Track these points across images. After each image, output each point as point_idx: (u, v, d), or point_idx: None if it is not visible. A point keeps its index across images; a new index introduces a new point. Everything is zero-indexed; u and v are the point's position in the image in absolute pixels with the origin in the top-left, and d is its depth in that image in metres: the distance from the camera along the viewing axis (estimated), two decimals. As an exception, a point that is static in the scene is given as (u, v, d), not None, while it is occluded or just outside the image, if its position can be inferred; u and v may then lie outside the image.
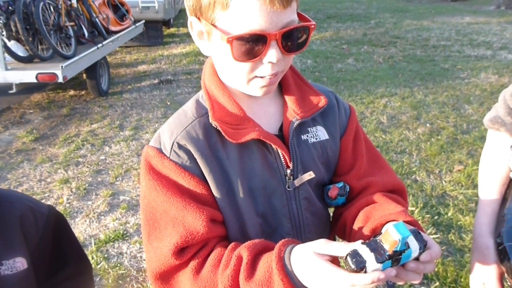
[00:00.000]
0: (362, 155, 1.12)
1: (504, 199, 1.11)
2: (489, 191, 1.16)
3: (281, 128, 1.02)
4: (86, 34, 6.68)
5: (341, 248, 0.78)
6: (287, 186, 0.99)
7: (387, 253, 0.75)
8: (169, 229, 0.92)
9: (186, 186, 0.94)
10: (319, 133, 1.05)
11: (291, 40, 0.88)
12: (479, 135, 4.72)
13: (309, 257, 0.80)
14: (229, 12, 0.83)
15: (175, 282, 0.94)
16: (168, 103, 6.20)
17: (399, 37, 10.40)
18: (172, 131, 0.98)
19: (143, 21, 9.25)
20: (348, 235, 1.03)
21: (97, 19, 7.08)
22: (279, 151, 0.97)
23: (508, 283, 0.99)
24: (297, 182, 1.00)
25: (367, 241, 0.77)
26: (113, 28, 7.65)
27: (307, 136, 1.03)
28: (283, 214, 1.01)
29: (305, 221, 1.03)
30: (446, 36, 10.44)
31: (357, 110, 5.57)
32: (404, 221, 0.85)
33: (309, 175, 1.00)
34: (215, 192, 0.96)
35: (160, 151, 0.96)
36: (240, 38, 0.83)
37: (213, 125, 0.94)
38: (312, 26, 0.90)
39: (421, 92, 6.27)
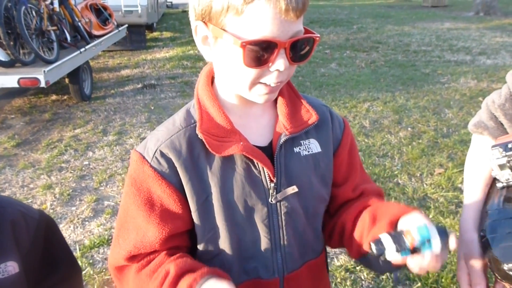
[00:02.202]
0: (356, 167, 1.16)
1: (487, 198, 1.17)
2: (473, 190, 1.21)
3: (272, 141, 1.04)
4: (69, 38, 6.64)
5: None
6: (270, 200, 1.00)
7: (408, 246, 0.83)
8: (133, 235, 0.99)
9: (159, 194, 0.98)
10: (312, 146, 1.06)
11: (298, 50, 0.90)
12: (459, 138, 4.82)
13: None
14: (242, 18, 0.84)
15: (125, 275, 1.03)
16: (152, 108, 6.18)
17: (381, 42, 10.54)
18: (158, 138, 1.01)
19: (126, 25, 9.22)
20: (348, 239, 1.05)
21: (79, 23, 7.03)
22: (261, 165, 0.99)
23: (493, 274, 1.05)
24: (280, 196, 1.01)
25: (392, 232, 0.85)
26: (95, 33, 7.61)
27: (300, 148, 1.04)
28: (263, 227, 1.02)
29: (285, 236, 1.04)
30: (427, 41, 10.62)
31: (340, 115, 5.62)
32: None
33: (292, 189, 1.01)
34: (191, 202, 0.98)
35: (142, 156, 0.99)
36: (253, 43, 0.84)
37: (198, 136, 0.96)
38: (317, 38, 0.92)
39: (402, 97, 6.37)
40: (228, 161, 0.98)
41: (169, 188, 0.97)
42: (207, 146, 0.95)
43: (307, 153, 1.05)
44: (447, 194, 3.74)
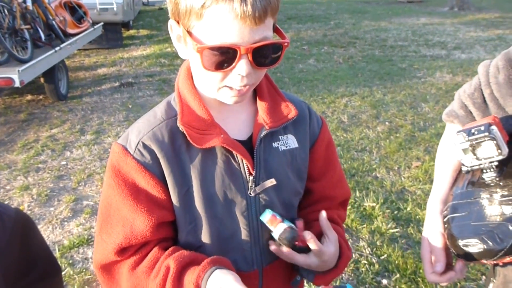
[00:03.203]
0: (334, 165, 1.20)
1: (455, 182, 1.22)
2: (442, 175, 1.26)
3: (251, 135, 1.05)
4: (43, 37, 6.52)
5: None
6: (249, 192, 1.02)
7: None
8: (118, 227, 0.98)
9: (144, 186, 0.98)
10: (289, 141, 1.09)
11: (263, 55, 0.89)
12: (435, 132, 4.90)
13: None
14: (203, 22, 0.85)
15: (116, 273, 1.01)
16: (130, 106, 6.13)
17: (358, 38, 10.64)
18: (140, 130, 1.01)
19: (102, 23, 9.09)
20: None
21: (53, 22, 6.92)
22: (241, 157, 1.00)
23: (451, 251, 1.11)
24: (258, 189, 1.03)
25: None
26: (70, 31, 7.49)
27: (278, 143, 1.07)
28: (242, 219, 1.04)
29: (264, 228, 1.05)
30: (403, 36, 10.76)
31: (319, 110, 5.68)
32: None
33: (271, 182, 1.03)
34: (173, 193, 0.99)
35: (125, 148, 0.99)
36: (210, 49, 0.85)
37: (179, 128, 0.97)
38: (286, 44, 0.92)
39: (380, 92, 6.44)
40: (209, 154, 1.00)
41: (152, 179, 0.98)
42: (188, 138, 0.96)
43: (285, 148, 1.08)
44: (424, 186, 3.81)
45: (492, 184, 1.04)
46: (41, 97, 6.61)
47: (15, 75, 5.08)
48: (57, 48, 6.23)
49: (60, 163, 4.50)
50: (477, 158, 1.05)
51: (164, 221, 1.00)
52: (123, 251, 0.98)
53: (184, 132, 0.96)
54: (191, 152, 0.99)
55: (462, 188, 1.12)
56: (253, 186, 1.02)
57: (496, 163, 1.03)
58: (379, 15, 14.65)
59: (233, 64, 0.87)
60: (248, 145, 1.03)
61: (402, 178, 3.99)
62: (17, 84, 5.11)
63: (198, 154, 0.99)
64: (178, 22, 0.92)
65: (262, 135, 1.02)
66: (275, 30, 0.95)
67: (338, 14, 14.91)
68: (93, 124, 5.53)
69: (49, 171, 4.33)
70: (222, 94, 0.95)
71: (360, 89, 6.59)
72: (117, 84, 7.27)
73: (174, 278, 0.92)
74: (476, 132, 1.03)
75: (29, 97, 6.67)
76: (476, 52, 8.88)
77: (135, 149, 0.98)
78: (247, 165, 1.01)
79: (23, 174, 4.26)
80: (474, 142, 1.03)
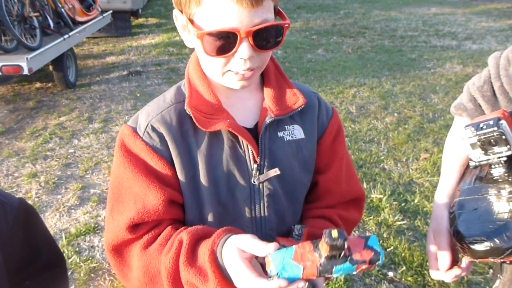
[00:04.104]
0: (341, 159, 1.16)
1: (463, 177, 1.20)
2: (450, 169, 1.24)
3: (257, 123, 1.05)
4: (52, 25, 6.51)
5: (261, 248, 0.82)
6: (253, 180, 1.02)
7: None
8: (130, 204, 0.98)
9: (153, 166, 0.98)
10: (296, 132, 1.08)
11: (264, 38, 0.90)
12: (444, 123, 4.86)
13: (232, 252, 0.85)
14: (202, 9, 0.86)
15: (127, 256, 1.00)
16: (138, 95, 6.13)
17: (368, 28, 10.53)
18: (148, 113, 1.03)
19: (111, 11, 9.07)
20: None
21: (62, 10, 6.90)
22: (248, 145, 1.00)
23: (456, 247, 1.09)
24: (262, 177, 1.02)
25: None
26: (79, 19, 7.48)
27: (284, 133, 1.06)
28: (244, 206, 1.03)
29: (266, 217, 1.05)
30: (413, 26, 10.63)
31: (327, 100, 5.61)
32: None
33: (275, 172, 1.03)
34: (180, 176, 1.00)
35: (134, 130, 1.01)
36: (210, 35, 0.87)
37: (187, 111, 0.98)
38: (286, 25, 0.92)
39: (389, 82, 6.39)
40: (215, 139, 1.00)
41: (161, 161, 0.98)
42: (195, 121, 0.97)
43: (290, 138, 1.06)
44: (433, 179, 3.78)
45: (500, 180, 1.02)
46: (49, 85, 6.62)
47: (24, 63, 5.09)
48: (66, 36, 6.22)
49: (68, 151, 4.52)
50: (486, 154, 1.03)
51: (174, 200, 1.00)
52: (136, 228, 0.98)
53: (191, 114, 0.97)
54: (198, 136, 1.00)
55: (470, 183, 1.10)
56: (257, 174, 1.02)
57: (505, 158, 1.01)
58: (389, 4, 14.48)
59: (234, 49, 0.88)
60: (254, 133, 1.03)
61: (410, 170, 3.97)
62: (25, 72, 5.13)
63: (204, 138, 1.00)
64: (181, 11, 0.93)
65: (267, 123, 1.02)
66: (278, 13, 0.95)
67: (347, 4, 14.76)
68: (101, 113, 5.54)
69: (57, 159, 4.35)
70: (227, 79, 0.96)
71: (369, 79, 6.53)
72: (125, 72, 7.27)
73: (188, 249, 0.91)
74: (484, 127, 1.01)
75: (38, 84, 6.69)
76: (487, 43, 8.76)
77: (144, 131, 1.00)
78: (252, 152, 1.01)
79: (31, 162, 4.29)
80: (482, 137, 1.01)
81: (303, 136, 1.08)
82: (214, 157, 1.00)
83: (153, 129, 0.99)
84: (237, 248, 0.85)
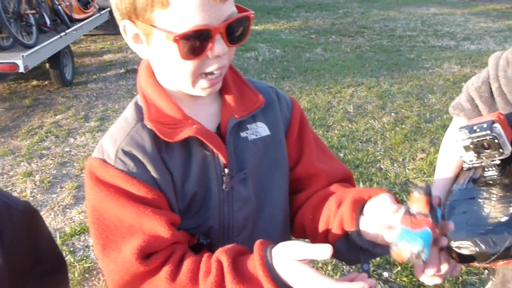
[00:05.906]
0: (309, 143, 1.11)
1: (456, 178, 1.19)
2: (444, 170, 1.23)
3: (219, 127, 1.00)
4: (48, 22, 6.49)
5: (317, 250, 0.78)
6: (223, 187, 0.98)
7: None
8: (127, 238, 0.87)
9: (136, 193, 0.89)
10: (260, 129, 1.03)
11: (234, 31, 0.88)
12: (442, 124, 4.85)
13: (292, 265, 0.80)
14: (169, 11, 0.81)
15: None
16: (135, 93, 6.07)
17: (367, 27, 10.51)
18: (115, 138, 0.94)
19: (108, 8, 9.03)
20: (311, 228, 1.02)
21: (59, 7, 6.88)
22: (217, 152, 0.95)
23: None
24: (232, 182, 0.98)
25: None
26: (76, 16, 7.45)
27: (247, 133, 1.02)
28: (213, 214, 0.98)
29: (235, 224, 1.00)
30: (412, 26, 10.62)
31: (325, 100, 5.63)
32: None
33: (244, 175, 0.99)
34: (168, 195, 0.94)
35: (103, 161, 0.91)
36: (186, 36, 0.82)
37: (148, 126, 0.91)
38: (252, 16, 0.90)
39: (387, 82, 6.37)
40: (186, 150, 0.95)
41: (143, 186, 0.89)
42: (158, 134, 0.90)
43: (255, 137, 1.03)
44: (429, 179, 3.77)
45: (492, 183, 1.00)
46: (46, 82, 6.60)
47: (20, 60, 5.07)
48: (63, 34, 6.20)
49: (64, 150, 4.50)
50: (478, 157, 1.02)
51: (174, 222, 0.91)
52: (148, 259, 0.86)
53: (153, 128, 0.90)
54: (169, 150, 0.94)
55: (463, 185, 1.09)
56: (228, 179, 0.97)
57: (497, 162, 1.00)
58: (388, 4, 14.46)
59: (209, 46, 0.84)
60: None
61: (407, 170, 3.96)
62: (21, 70, 5.11)
63: (177, 151, 0.94)
64: (133, 22, 0.87)
65: (231, 126, 0.97)
66: (236, 6, 0.91)
67: (347, 3, 14.74)
68: (97, 111, 5.52)
69: (53, 158, 4.33)
70: (198, 87, 0.92)
71: (367, 79, 6.52)
72: (122, 70, 7.25)
73: (231, 268, 0.82)
74: (478, 130, 0.99)
75: (34, 82, 6.66)
76: (486, 43, 8.74)
77: (115, 158, 0.91)
78: (220, 157, 0.96)
79: (27, 160, 4.27)
80: (475, 140, 1.00)
81: (268, 133, 1.04)
82: (186, 169, 0.95)
83: (125, 153, 0.90)
84: (295, 261, 0.80)
